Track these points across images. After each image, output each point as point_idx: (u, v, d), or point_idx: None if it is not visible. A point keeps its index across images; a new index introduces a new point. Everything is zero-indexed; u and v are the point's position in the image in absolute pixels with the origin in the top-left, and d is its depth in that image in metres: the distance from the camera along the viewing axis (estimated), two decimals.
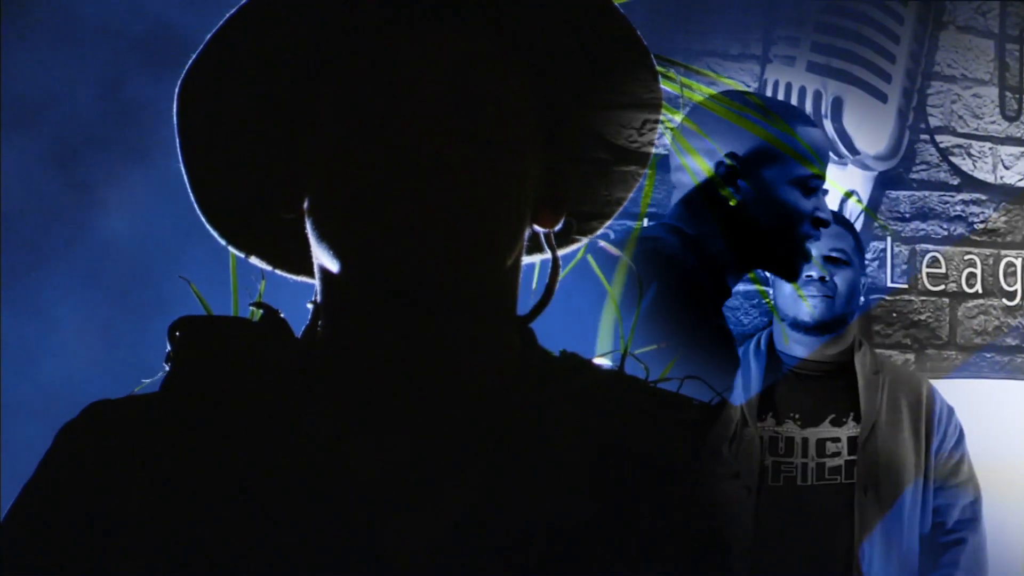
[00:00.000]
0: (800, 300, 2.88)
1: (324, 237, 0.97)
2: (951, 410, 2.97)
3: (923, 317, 3.64)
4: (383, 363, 0.97)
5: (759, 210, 2.01)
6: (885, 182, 3.65)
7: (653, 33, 3.27)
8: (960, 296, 3.67)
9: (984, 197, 3.72)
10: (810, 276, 2.86)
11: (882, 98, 3.65)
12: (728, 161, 1.99)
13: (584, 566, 0.94)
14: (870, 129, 3.64)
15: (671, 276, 1.90)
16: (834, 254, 2.89)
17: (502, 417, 0.98)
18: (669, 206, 2.15)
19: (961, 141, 3.72)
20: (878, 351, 3.16)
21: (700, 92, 1.84)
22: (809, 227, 2.05)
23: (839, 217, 3.11)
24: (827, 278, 2.87)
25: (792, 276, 2.12)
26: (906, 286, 3.61)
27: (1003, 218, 3.73)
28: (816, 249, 2.88)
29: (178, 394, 0.99)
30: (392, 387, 0.97)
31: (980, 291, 3.68)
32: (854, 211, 3.51)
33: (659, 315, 1.76)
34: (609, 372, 1.08)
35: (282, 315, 1.04)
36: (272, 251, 1.09)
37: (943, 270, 3.65)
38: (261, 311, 1.04)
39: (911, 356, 3.55)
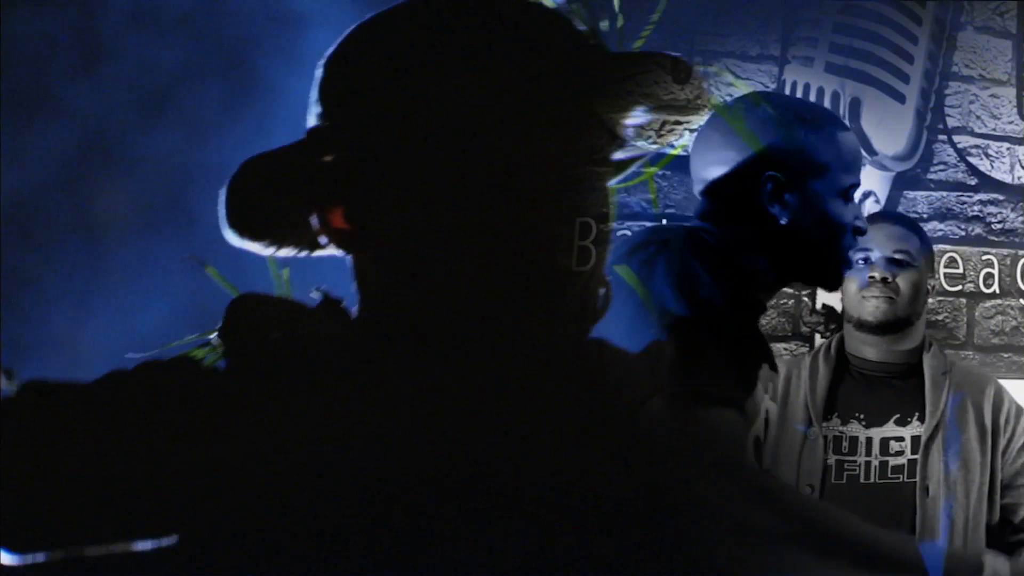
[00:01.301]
0: (864, 301, 2.88)
1: (405, 278, 1.04)
2: (1020, 409, 2.96)
3: (941, 317, 3.64)
4: (427, 350, 1.02)
5: (807, 225, 1.86)
6: (903, 183, 3.67)
7: (672, 35, 3.29)
8: (978, 296, 3.68)
9: (1002, 197, 3.73)
10: (872, 277, 2.86)
11: (900, 99, 3.66)
12: (774, 175, 1.85)
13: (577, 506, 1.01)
14: (888, 130, 3.66)
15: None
16: (898, 255, 2.88)
17: (532, 400, 1.04)
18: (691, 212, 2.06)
19: (979, 141, 3.73)
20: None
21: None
22: (850, 237, 1.92)
23: (906, 219, 3.12)
24: (890, 279, 2.87)
25: (836, 286, 1.99)
26: None
27: (1021, 218, 3.74)
28: (880, 250, 2.89)
29: (233, 368, 1.04)
30: (433, 370, 1.02)
31: (998, 291, 3.69)
32: (871, 210, 3.52)
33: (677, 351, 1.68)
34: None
35: (342, 303, 1.10)
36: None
37: (961, 270, 3.66)
38: (320, 295, 1.10)
39: (953, 357, 3.56)
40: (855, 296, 2.90)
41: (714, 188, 1.90)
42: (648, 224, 2.35)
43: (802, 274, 1.95)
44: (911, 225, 3.00)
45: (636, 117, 1.12)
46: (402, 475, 0.98)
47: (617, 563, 1.02)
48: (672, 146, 1.98)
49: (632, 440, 1.10)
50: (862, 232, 1.95)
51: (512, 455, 1.00)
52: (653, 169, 1.85)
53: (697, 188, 1.97)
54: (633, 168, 1.19)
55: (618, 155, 1.13)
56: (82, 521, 0.96)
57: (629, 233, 2.50)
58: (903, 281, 2.87)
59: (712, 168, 1.91)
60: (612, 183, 1.16)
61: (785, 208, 1.85)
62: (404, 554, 0.96)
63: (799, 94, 3.64)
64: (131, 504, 0.96)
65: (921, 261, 2.92)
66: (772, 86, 3.63)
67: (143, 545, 0.96)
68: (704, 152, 1.93)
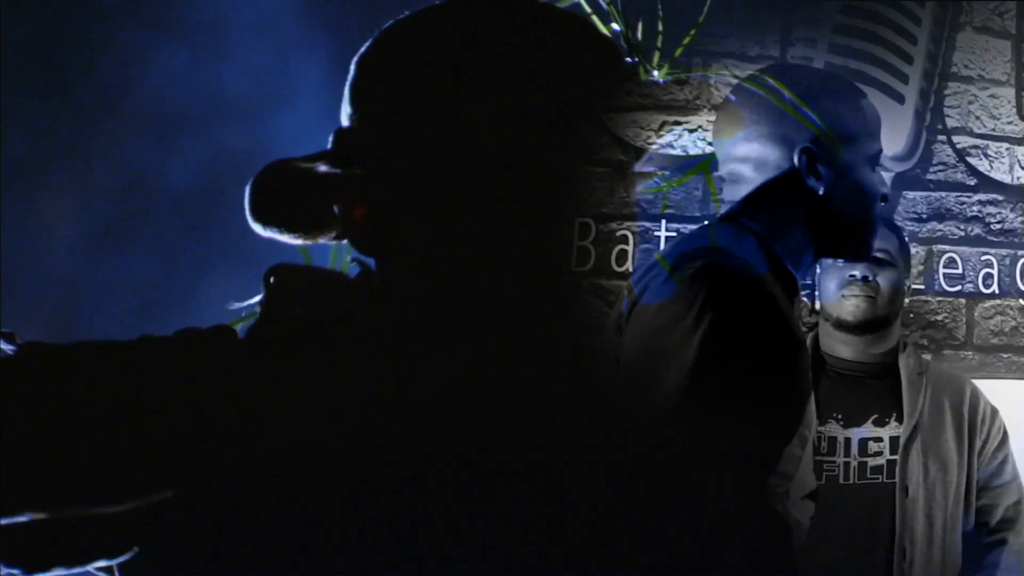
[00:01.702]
0: (843, 300, 2.88)
1: (424, 284, 1.06)
2: (995, 411, 2.97)
3: (940, 318, 3.65)
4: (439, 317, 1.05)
5: (841, 195, 1.89)
6: (902, 183, 3.67)
7: (671, 35, 3.30)
8: (977, 297, 3.68)
9: (1001, 198, 3.73)
10: (853, 276, 2.86)
11: (899, 99, 3.66)
12: (810, 146, 1.88)
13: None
14: (887, 130, 3.63)
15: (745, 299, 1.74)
16: (878, 254, 2.87)
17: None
18: (725, 202, 2.01)
19: (978, 142, 3.73)
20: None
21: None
22: (879, 205, 1.95)
23: (885, 218, 3.12)
24: (871, 278, 2.87)
25: (867, 255, 2.01)
26: (923, 287, 3.62)
27: (1020, 218, 3.74)
28: None
29: (263, 337, 1.05)
30: (447, 371, 1.04)
31: (997, 292, 3.69)
32: None
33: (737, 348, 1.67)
34: None
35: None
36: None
37: (960, 271, 3.67)
38: (357, 266, 1.12)
39: (927, 357, 3.56)
40: (834, 295, 2.90)
41: (746, 167, 1.92)
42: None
43: (837, 246, 1.95)
44: (890, 225, 3.01)
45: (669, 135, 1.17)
46: (414, 461, 0.99)
47: (621, 564, 1.02)
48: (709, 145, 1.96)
49: (643, 442, 1.11)
50: (887, 199, 1.96)
51: (523, 453, 1.02)
52: (697, 167, 1.85)
53: (726, 169, 1.98)
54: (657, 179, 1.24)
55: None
56: (76, 483, 0.96)
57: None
58: (883, 280, 2.88)
59: (743, 145, 1.92)
60: (656, 182, 1.21)
61: (820, 180, 1.87)
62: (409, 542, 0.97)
63: None
64: (129, 466, 0.96)
65: (900, 261, 2.93)
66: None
67: (136, 505, 0.96)
68: (732, 131, 1.95)
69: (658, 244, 3.75)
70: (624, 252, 3.74)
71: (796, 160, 1.88)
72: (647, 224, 3.76)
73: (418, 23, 1.09)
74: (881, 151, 1.97)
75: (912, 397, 2.87)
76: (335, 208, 1.09)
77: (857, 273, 2.86)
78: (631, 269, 3.78)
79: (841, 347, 2.93)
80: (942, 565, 2.83)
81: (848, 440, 2.86)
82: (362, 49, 1.11)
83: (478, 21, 1.06)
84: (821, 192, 1.87)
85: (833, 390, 2.92)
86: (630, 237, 3.74)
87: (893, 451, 2.84)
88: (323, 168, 1.08)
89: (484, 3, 1.09)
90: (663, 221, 3.74)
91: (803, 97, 1.88)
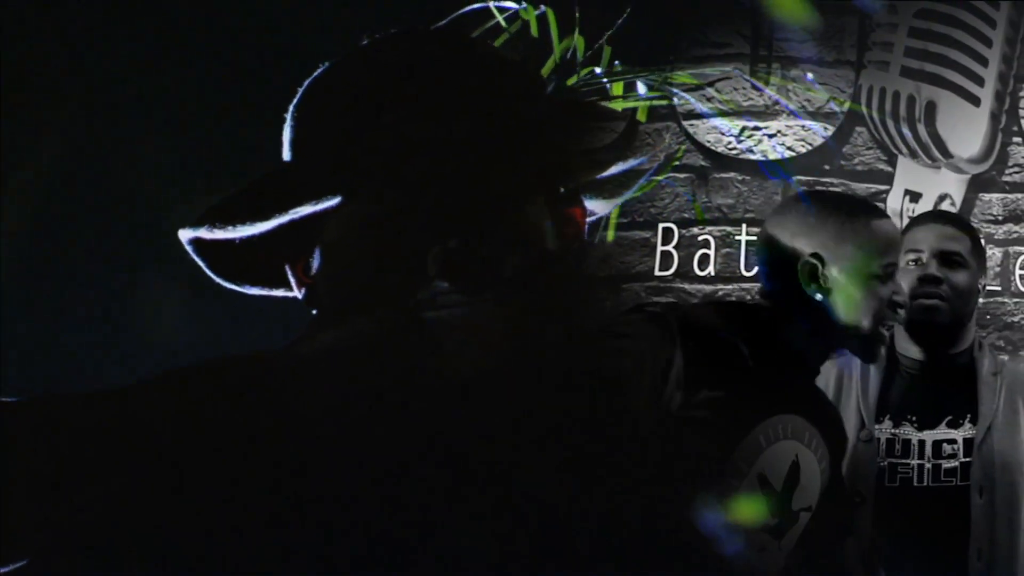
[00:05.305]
0: (914, 301, 2.86)
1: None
2: None
3: (1016, 319, 3.62)
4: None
5: (839, 302, 2.17)
6: (978, 185, 3.65)
7: (753, 42, 3.34)
8: None
9: None
10: (923, 278, 2.85)
11: (975, 101, 3.65)
12: (811, 260, 2.17)
13: None
14: (963, 132, 3.65)
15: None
16: (949, 256, 2.86)
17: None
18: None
19: None
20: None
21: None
22: (889, 312, 2.20)
23: (958, 219, 3.09)
24: (942, 279, 2.84)
25: (871, 359, 2.31)
26: (999, 288, 3.60)
27: None
28: (930, 251, 2.88)
29: (298, 350, 1.07)
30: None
31: None
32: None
33: None
34: None
35: None
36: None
37: None
38: None
39: (1004, 357, 3.54)
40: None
41: (768, 271, 2.24)
42: None
43: (841, 342, 2.23)
44: (962, 225, 2.96)
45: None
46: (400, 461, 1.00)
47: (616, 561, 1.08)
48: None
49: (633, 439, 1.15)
50: (901, 306, 2.21)
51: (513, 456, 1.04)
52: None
53: (760, 273, 2.29)
54: (641, 180, 1.22)
55: (616, 168, 1.16)
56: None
57: None
58: (957, 282, 2.83)
59: (770, 254, 2.24)
60: (627, 195, 1.20)
61: (819, 289, 2.16)
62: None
63: (875, 98, 3.67)
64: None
65: (973, 262, 2.87)
66: (848, 91, 3.67)
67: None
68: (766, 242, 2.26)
69: (740, 248, 3.80)
70: (706, 256, 3.80)
71: (799, 267, 2.17)
72: (728, 228, 3.82)
73: (352, 63, 1.09)
74: (894, 264, 2.20)
75: (987, 398, 2.81)
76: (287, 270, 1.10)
77: (927, 275, 2.84)
78: (712, 273, 3.84)
79: (914, 348, 2.90)
80: (1018, 568, 2.80)
81: (922, 443, 2.84)
82: (297, 96, 1.11)
83: (396, 60, 1.07)
84: (819, 298, 2.16)
85: (908, 392, 2.87)
86: (712, 242, 3.81)
87: (967, 453, 2.81)
88: (263, 224, 1.05)
89: (402, 42, 1.11)
90: (743, 225, 3.79)
91: (811, 220, 2.18)
